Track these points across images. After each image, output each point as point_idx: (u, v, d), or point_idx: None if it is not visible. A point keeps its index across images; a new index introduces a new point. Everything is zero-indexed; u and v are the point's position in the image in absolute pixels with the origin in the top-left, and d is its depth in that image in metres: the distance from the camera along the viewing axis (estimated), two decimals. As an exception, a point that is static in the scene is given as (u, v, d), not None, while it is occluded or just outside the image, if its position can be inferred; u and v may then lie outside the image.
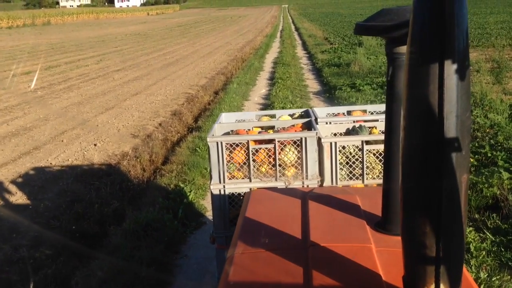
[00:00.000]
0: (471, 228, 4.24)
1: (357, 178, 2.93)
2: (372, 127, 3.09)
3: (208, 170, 3.08)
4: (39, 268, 4.22)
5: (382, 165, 2.35)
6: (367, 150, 2.87)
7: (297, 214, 1.81)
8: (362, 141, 2.87)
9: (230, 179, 2.91)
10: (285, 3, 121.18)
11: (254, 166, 2.90)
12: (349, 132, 3.11)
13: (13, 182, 6.48)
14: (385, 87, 1.68)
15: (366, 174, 2.90)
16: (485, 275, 3.53)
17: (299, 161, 2.89)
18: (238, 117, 3.59)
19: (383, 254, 1.47)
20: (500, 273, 3.56)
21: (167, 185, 5.95)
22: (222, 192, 2.91)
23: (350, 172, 2.93)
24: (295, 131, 3.09)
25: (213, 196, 2.93)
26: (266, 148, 2.89)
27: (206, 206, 5.32)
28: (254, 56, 20.26)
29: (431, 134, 1.02)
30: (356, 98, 10.08)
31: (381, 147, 2.77)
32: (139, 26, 50.01)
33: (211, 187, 2.92)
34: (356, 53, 16.54)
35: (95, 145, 8.04)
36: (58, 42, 31.62)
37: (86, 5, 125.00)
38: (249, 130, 3.21)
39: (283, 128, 3.22)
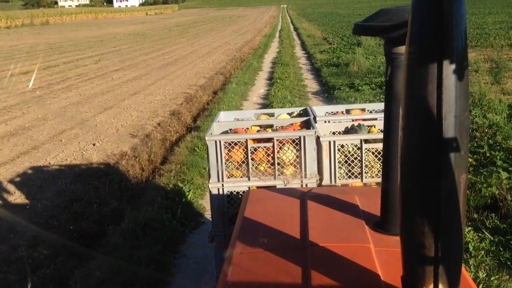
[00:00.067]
0: (469, 228, 4.25)
1: (355, 176, 2.93)
2: (371, 126, 3.09)
3: (207, 169, 3.08)
4: (38, 268, 4.22)
5: (381, 164, 2.35)
6: (366, 148, 2.88)
7: (295, 214, 1.81)
8: (361, 140, 2.87)
9: (228, 177, 2.91)
10: (284, 3, 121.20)
11: (253, 165, 2.91)
12: (347, 131, 3.12)
13: (12, 181, 6.47)
14: (384, 87, 1.68)
15: (365, 172, 2.91)
16: (484, 275, 3.54)
17: (297, 159, 2.89)
18: (237, 116, 3.59)
19: (382, 254, 1.47)
20: (499, 273, 3.56)
21: (166, 184, 5.95)
22: (221, 191, 2.91)
23: (349, 171, 2.93)
24: (294, 129, 3.09)
25: (212, 194, 2.93)
26: (265, 147, 2.90)
27: (205, 206, 5.32)
28: (253, 56, 20.26)
29: (430, 134, 1.02)
30: (355, 98, 10.08)
31: (379, 146, 2.78)
32: (137, 26, 49.98)
33: (210, 185, 2.92)
34: (355, 53, 16.54)
35: (93, 144, 8.03)
36: (57, 42, 31.58)
37: (85, 5, 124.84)
38: (247, 128, 3.21)
39: (282, 127, 3.22)
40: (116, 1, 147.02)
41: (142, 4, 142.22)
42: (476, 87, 9.29)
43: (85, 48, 26.63)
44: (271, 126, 3.26)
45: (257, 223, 1.78)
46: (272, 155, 2.89)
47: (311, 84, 13.41)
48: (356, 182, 2.93)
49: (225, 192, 2.92)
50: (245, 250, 1.58)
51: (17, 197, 6.00)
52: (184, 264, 4.31)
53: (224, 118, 3.51)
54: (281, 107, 9.18)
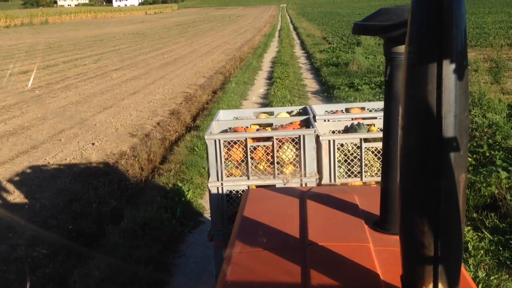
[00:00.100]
0: (469, 227, 4.25)
1: (355, 175, 2.93)
2: (371, 125, 3.09)
3: (206, 169, 3.08)
4: (37, 267, 4.21)
5: (380, 163, 2.35)
6: (366, 147, 2.87)
7: (295, 214, 1.81)
8: (361, 139, 2.87)
9: (228, 176, 2.91)
10: (284, 2, 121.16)
11: (252, 164, 2.91)
12: (347, 130, 3.11)
13: (11, 181, 6.47)
14: (383, 87, 1.68)
15: (365, 171, 2.91)
16: (483, 274, 3.54)
17: (297, 158, 2.89)
18: (236, 115, 3.59)
19: (381, 254, 1.47)
20: (498, 272, 3.56)
21: (165, 184, 5.95)
22: (220, 190, 2.91)
23: (349, 170, 2.93)
24: (293, 128, 3.09)
25: (211, 193, 2.93)
26: (264, 146, 2.89)
27: (204, 205, 5.32)
28: (252, 56, 20.26)
29: (429, 134, 1.02)
30: (355, 98, 10.08)
31: (379, 145, 2.77)
32: (137, 26, 49.95)
33: (209, 184, 2.92)
34: (354, 52, 16.54)
35: (93, 144, 8.02)
36: (56, 41, 31.56)
37: (84, 4, 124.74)
38: (247, 127, 3.21)
39: (281, 126, 3.21)
40: (116, 1, 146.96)
41: (141, 4, 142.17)
42: (475, 87, 9.29)
43: (85, 47, 26.61)
44: (270, 125, 3.26)
45: (257, 222, 1.78)
46: (271, 154, 2.89)
47: (311, 84, 13.41)
48: (356, 181, 2.93)
49: (224, 191, 2.92)
50: (244, 249, 1.58)
51: (16, 196, 5.99)
52: (183, 263, 4.31)
53: (224, 117, 3.51)
54: (281, 107, 9.18)
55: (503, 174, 4.86)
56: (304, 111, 3.54)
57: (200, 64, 17.81)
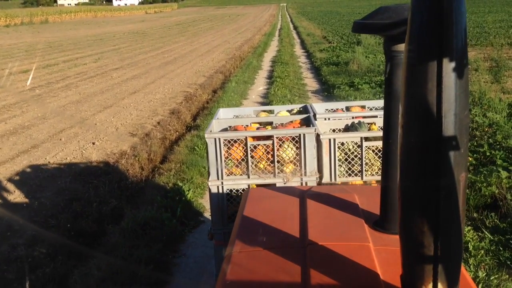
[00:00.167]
0: (469, 227, 4.24)
1: (356, 174, 2.93)
2: (371, 123, 3.08)
3: (207, 168, 3.08)
4: (37, 267, 4.21)
5: (381, 162, 2.35)
6: (366, 146, 2.87)
7: (295, 213, 1.81)
8: (361, 138, 2.86)
9: (228, 175, 2.91)
10: (284, 1, 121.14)
11: (252, 163, 2.90)
12: (348, 128, 3.11)
13: (11, 180, 6.47)
14: (384, 86, 1.67)
15: (365, 170, 2.90)
16: (484, 274, 3.53)
17: (297, 157, 2.89)
18: (236, 113, 3.58)
19: (381, 253, 1.46)
20: (499, 272, 3.56)
21: (166, 183, 5.95)
22: (220, 189, 2.91)
23: (349, 169, 2.93)
24: (294, 127, 3.09)
25: (211, 192, 2.93)
26: (265, 145, 2.89)
27: (205, 205, 5.31)
28: (252, 55, 20.25)
29: (429, 132, 1.02)
30: (355, 97, 10.07)
31: (380, 144, 2.77)
32: (137, 25, 49.94)
33: (209, 183, 2.92)
34: (354, 51, 16.54)
35: (93, 143, 8.02)
36: (56, 40, 31.56)
37: (84, 4, 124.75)
38: (247, 126, 3.21)
39: (282, 124, 3.21)
40: (116, 0, 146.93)
41: (141, 3, 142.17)
42: (476, 86, 9.28)
43: (85, 46, 26.61)
44: (270, 123, 3.25)
45: (257, 221, 1.78)
46: (271, 152, 2.88)
47: (311, 83, 13.41)
48: (356, 180, 2.93)
49: (224, 190, 2.92)
50: (244, 249, 1.58)
51: (16, 196, 5.99)
52: (183, 263, 4.30)
53: (224, 115, 3.51)
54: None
55: (504, 174, 4.86)
56: (304, 110, 3.53)
57: (200, 63, 17.81)
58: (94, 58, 20.77)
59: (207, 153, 2.90)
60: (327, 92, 11.61)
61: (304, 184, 2.87)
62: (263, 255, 1.53)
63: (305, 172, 2.88)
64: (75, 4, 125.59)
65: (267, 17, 57.87)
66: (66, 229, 4.91)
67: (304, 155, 2.86)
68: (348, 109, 3.54)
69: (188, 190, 5.57)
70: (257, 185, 2.89)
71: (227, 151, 2.90)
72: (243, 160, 2.90)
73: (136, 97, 12.06)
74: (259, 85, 13.28)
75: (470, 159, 5.55)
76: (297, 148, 2.88)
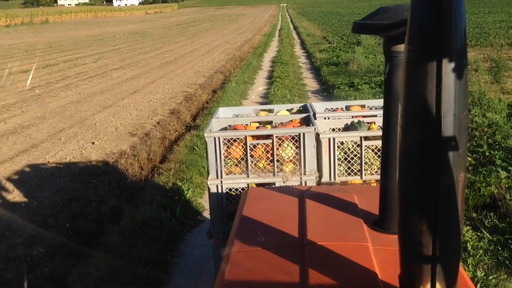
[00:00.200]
0: (468, 227, 4.24)
1: (355, 174, 2.92)
2: (371, 123, 3.08)
3: (206, 168, 3.08)
4: (36, 267, 4.21)
5: (380, 161, 2.35)
6: (366, 146, 2.87)
7: (294, 213, 1.80)
8: (361, 137, 2.86)
9: (227, 174, 2.91)
10: (284, 2, 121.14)
11: (252, 162, 2.90)
12: (347, 128, 3.11)
13: (10, 180, 6.47)
14: (383, 86, 1.67)
15: (365, 170, 2.90)
16: (482, 274, 3.54)
17: (297, 156, 2.89)
18: (236, 112, 3.58)
19: (380, 253, 1.46)
20: (497, 272, 3.56)
21: (165, 183, 5.95)
22: (220, 188, 2.91)
23: (349, 168, 2.93)
24: (293, 126, 3.09)
25: (211, 191, 2.93)
26: (264, 144, 2.89)
27: (204, 205, 5.31)
28: (252, 55, 20.25)
29: (429, 132, 1.02)
30: (354, 97, 10.06)
31: (379, 143, 2.77)
32: (137, 25, 49.94)
33: (209, 182, 2.92)
34: (354, 52, 16.55)
35: (93, 143, 8.02)
36: (56, 40, 31.55)
37: (84, 4, 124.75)
38: (247, 125, 3.21)
39: (281, 123, 3.21)
40: (116, 0, 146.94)
41: (141, 3, 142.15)
42: (475, 86, 9.29)
43: (85, 46, 26.61)
44: (270, 122, 3.25)
45: (255, 221, 1.78)
46: (271, 152, 2.88)
47: (311, 83, 13.41)
48: (356, 179, 2.93)
49: (224, 189, 2.92)
50: (243, 248, 1.58)
51: (15, 195, 5.99)
52: (182, 263, 4.30)
53: (223, 114, 3.51)
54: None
55: (503, 174, 4.86)
56: (304, 109, 3.53)
57: (200, 64, 17.81)
58: (94, 58, 20.76)
59: (206, 152, 2.90)
60: (327, 92, 11.61)
61: (303, 183, 2.87)
62: (261, 255, 1.52)
63: (305, 171, 2.88)
64: (75, 4, 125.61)
65: (267, 17, 57.88)
66: (65, 229, 4.91)
67: (303, 154, 2.86)
68: (347, 108, 3.54)
69: (188, 190, 5.57)
70: (257, 184, 2.89)
71: (227, 150, 2.90)
72: (242, 159, 2.90)
73: (136, 97, 12.05)
74: (259, 85, 13.28)
75: (470, 159, 5.55)
76: (296, 147, 2.88)
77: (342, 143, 2.90)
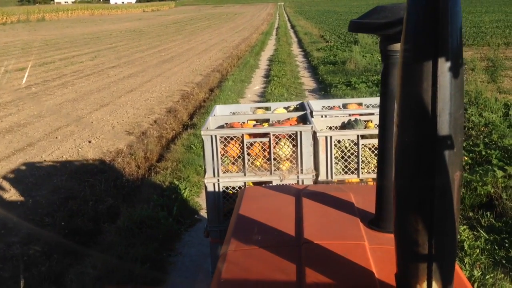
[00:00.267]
0: (465, 226, 4.26)
1: (352, 172, 2.93)
2: (368, 121, 3.08)
3: (203, 166, 3.07)
4: (33, 265, 4.20)
5: (377, 160, 2.35)
6: (363, 144, 2.87)
7: (290, 212, 1.81)
8: (358, 135, 2.86)
9: (224, 172, 2.91)
10: (281, 0, 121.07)
11: (249, 160, 2.90)
12: (344, 126, 3.11)
13: (7, 178, 6.45)
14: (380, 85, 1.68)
15: (362, 168, 2.90)
16: (479, 273, 3.55)
17: (294, 155, 2.89)
18: (233, 110, 3.58)
19: (376, 252, 1.47)
20: (494, 271, 3.57)
21: (162, 182, 5.94)
22: (216, 186, 2.91)
23: (346, 166, 2.93)
24: (290, 124, 3.09)
25: (207, 190, 2.92)
26: (261, 142, 2.89)
27: (201, 204, 5.31)
28: (249, 54, 20.24)
29: (424, 131, 1.02)
30: (352, 96, 10.07)
31: (376, 141, 2.77)
32: (134, 23, 49.82)
33: (205, 180, 2.92)
34: (351, 51, 16.56)
35: (89, 142, 8.01)
36: (53, 38, 31.45)
37: (81, 2, 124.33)
38: (243, 123, 3.20)
39: (278, 122, 3.21)
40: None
41: (138, 1, 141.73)
42: (472, 86, 9.30)
43: (81, 44, 26.53)
44: (267, 120, 3.25)
45: (252, 220, 1.78)
46: (268, 150, 2.88)
47: (308, 82, 13.41)
48: (353, 178, 2.93)
49: (220, 187, 2.92)
50: (240, 247, 1.58)
51: (12, 194, 5.97)
52: (179, 262, 4.30)
53: (220, 112, 3.50)
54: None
55: (499, 173, 4.87)
56: (301, 107, 3.53)
57: (197, 62, 17.79)
58: (91, 56, 20.70)
59: (203, 150, 2.90)
60: (324, 91, 11.62)
61: (300, 182, 2.87)
62: (258, 253, 1.53)
63: (302, 170, 2.88)
64: (72, 2, 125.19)
65: (264, 16, 57.83)
66: (62, 228, 4.89)
67: (300, 152, 2.86)
68: (345, 106, 3.54)
69: (185, 189, 5.57)
70: (254, 183, 2.89)
71: (224, 148, 2.90)
72: (239, 157, 2.89)
73: (132, 95, 12.03)
74: (256, 84, 13.28)
75: (466, 158, 5.57)
76: (293, 145, 2.88)
77: (339, 141, 2.90)
